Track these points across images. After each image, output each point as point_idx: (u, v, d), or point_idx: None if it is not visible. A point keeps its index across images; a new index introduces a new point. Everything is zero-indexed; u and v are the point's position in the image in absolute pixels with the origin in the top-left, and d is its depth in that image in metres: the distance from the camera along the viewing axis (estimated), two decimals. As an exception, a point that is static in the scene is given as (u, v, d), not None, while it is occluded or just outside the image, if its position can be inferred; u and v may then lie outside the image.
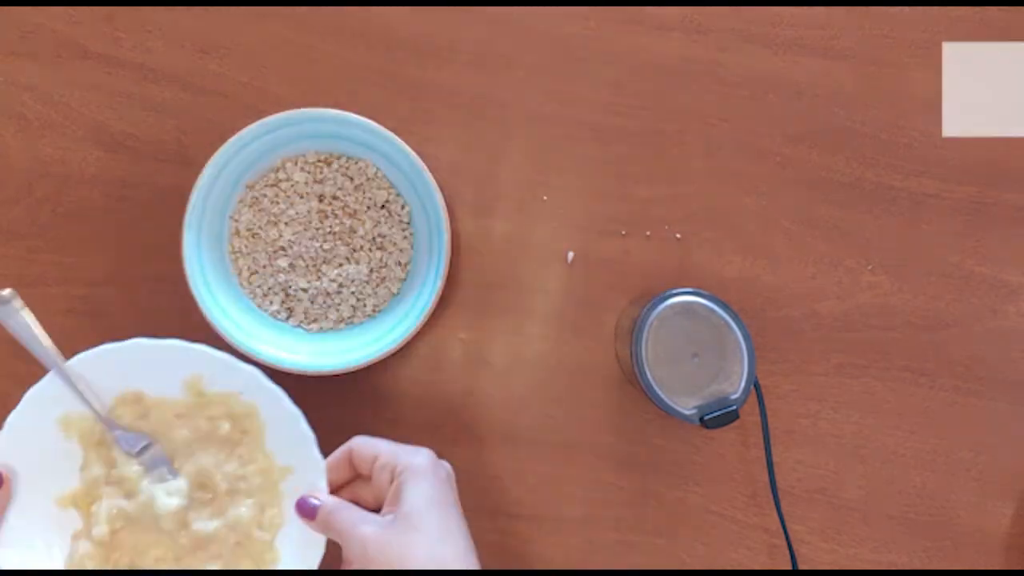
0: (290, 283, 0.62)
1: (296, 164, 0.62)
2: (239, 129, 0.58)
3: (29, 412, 0.50)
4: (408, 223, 0.63)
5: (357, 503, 0.50)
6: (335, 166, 0.62)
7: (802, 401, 0.63)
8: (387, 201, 0.62)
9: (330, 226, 0.62)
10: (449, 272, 0.60)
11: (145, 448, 0.52)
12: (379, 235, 0.62)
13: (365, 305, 0.62)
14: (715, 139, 0.64)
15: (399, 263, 0.62)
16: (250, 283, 0.62)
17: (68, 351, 0.63)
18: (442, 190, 0.59)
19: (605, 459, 0.62)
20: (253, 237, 0.62)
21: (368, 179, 0.62)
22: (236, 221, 0.62)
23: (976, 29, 0.64)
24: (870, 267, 0.63)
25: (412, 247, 0.63)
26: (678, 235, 0.63)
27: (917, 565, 0.62)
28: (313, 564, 0.50)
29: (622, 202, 0.64)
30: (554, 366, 0.63)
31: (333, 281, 0.61)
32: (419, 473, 0.48)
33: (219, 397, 0.52)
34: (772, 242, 0.63)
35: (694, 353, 0.54)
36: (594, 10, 0.64)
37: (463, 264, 0.63)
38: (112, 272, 0.64)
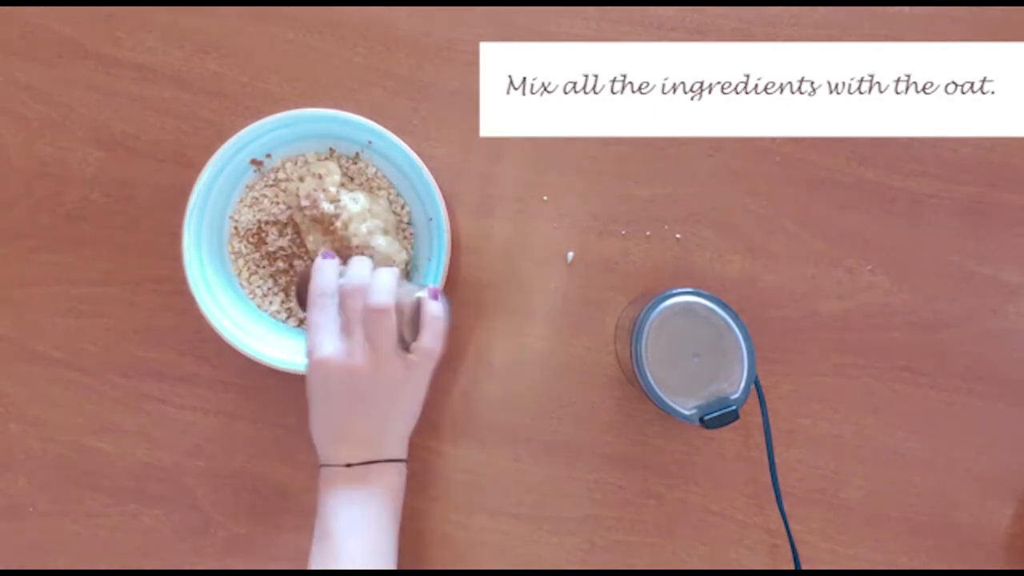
0: (290, 283, 0.62)
1: (296, 164, 0.62)
2: (239, 129, 0.58)
3: None
4: (408, 223, 0.63)
5: None
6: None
7: (802, 401, 0.63)
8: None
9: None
10: (449, 272, 0.60)
11: None
12: (379, 235, 0.62)
13: (365, 305, 0.62)
14: (715, 139, 0.64)
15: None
16: (250, 283, 0.62)
17: (68, 351, 0.63)
18: (442, 190, 0.59)
19: (605, 459, 0.62)
20: (253, 237, 0.62)
21: (368, 179, 0.62)
22: (236, 221, 0.62)
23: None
24: (870, 267, 0.63)
25: (412, 247, 0.63)
26: (678, 235, 0.63)
27: (917, 565, 0.62)
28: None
29: (622, 202, 0.64)
30: (554, 366, 0.63)
31: (333, 281, 0.61)
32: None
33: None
34: (772, 242, 0.63)
35: (694, 353, 0.54)
36: (593, 10, 0.64)
37: (463, 264, 0.63)
38: (112, 272, 0.64)
